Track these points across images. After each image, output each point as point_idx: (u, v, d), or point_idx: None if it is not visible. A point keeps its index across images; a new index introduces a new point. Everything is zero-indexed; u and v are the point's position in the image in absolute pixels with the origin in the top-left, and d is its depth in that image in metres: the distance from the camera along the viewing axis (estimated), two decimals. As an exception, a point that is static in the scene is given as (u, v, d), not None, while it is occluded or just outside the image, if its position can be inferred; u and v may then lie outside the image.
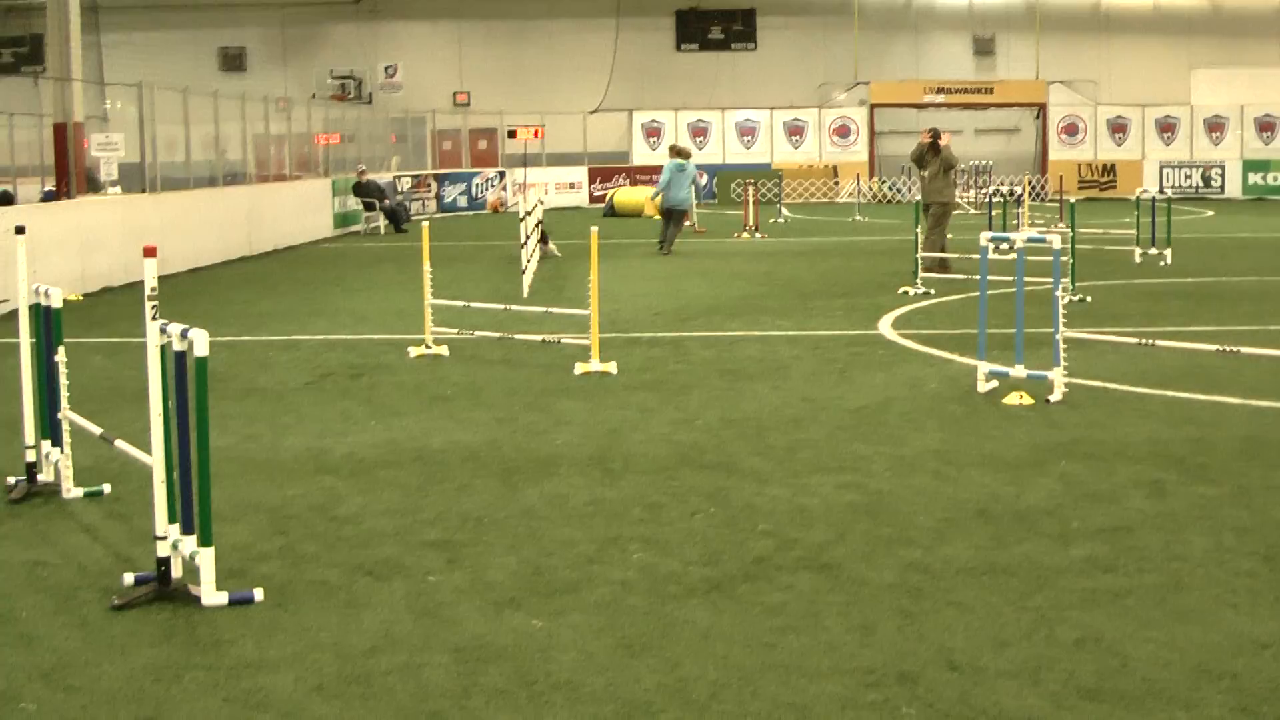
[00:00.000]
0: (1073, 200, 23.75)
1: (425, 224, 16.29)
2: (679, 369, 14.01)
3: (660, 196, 28.29)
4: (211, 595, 6.87)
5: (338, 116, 41.40)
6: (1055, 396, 11.77)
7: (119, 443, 8.33)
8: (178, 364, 6.95)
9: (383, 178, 39.82)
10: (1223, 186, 49.33)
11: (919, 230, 20.96)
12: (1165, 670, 5.95)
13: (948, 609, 6.75)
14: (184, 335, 6.84)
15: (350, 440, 10.75)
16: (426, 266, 15.23)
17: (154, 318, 6.96)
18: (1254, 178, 49.46)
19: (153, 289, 6.95)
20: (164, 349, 7.03)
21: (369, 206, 36.47)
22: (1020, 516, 8.36)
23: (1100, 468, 9.54)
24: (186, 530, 7.01)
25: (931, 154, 22.89)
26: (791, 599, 6.93)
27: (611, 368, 13.67)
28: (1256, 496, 8.77)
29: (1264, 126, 50.12)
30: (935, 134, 23.02)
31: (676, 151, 28.87)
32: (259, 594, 6.96)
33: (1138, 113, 50.66)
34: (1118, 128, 50.71)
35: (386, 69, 52.43)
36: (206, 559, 6.89)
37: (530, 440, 10.66)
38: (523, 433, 10.94)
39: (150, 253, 6.98)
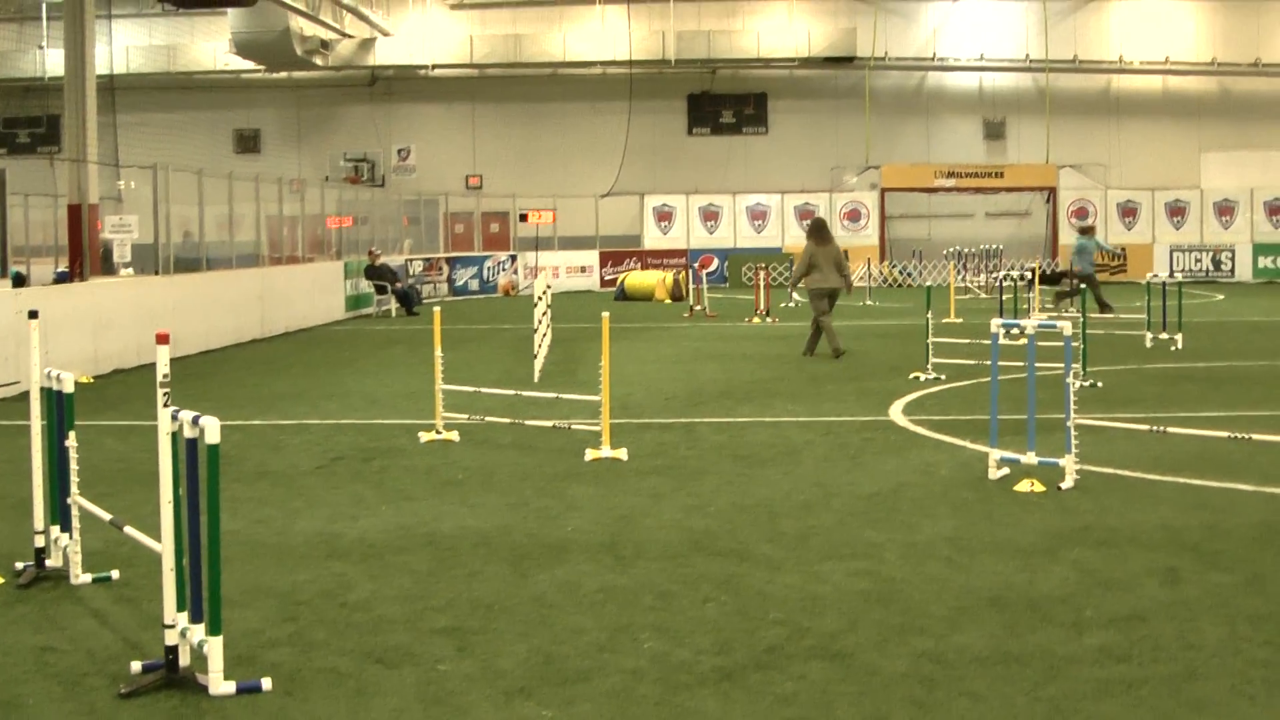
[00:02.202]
0: (1082, 285, 23.79)
1: (436, 308, 16.32)
2: (690, 454, 13.99)
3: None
4: (219, 684, 6.83)
5: (351, 198, 41.64)
6: (1067, 483, 11.73)
7: (128, 529, 8.32)
8: (189, 450, 6.95)
9: (395, 260, 39.96)
10: (1233, 270, 49.40)
11: (930, 315, 20.96)
12: (1181, 763, 5.90)
13: (960, 699, 6.70)
14: (195, 422, 6.84)
15: (361, 525, 10.73)
16: (438, 351, 15.25)
17: (165, 404, 6.97)
18: (1264, 261, 49.54)
19: (165, 376, 6.96)
20: (175, 436, 7.03)
21: (381, 289, 36.58)
22: (1033, 605, 8.31)
23: (1113, 555, 9.50)
24: (195, 618, 6.99)
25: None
26: (803, 689, 6.89)
27: (622, 454, 13.65)
28: (1271, 584, 8.73)
29: (1274, 210, 50.25)
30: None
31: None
32: (267, 683, 6.92)
33: (1148, 196, 50.81)
34: (1128, 211, 50.84)
35: (400, 151, 52.78)
36: (215, 648, 6.85)
37: (541, 526, 10.63)
38: (534, 518, 10.91)
39: (163, 339, 7.00)
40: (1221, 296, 39.45)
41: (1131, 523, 10.46)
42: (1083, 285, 27.62)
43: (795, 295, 29.72)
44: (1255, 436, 12.22)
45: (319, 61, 49.35)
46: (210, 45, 50.26)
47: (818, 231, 23.91)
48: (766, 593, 8.66)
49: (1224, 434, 12.53)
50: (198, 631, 6.96)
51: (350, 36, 49.58)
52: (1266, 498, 11.39)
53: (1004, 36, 51.89)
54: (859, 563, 9.38)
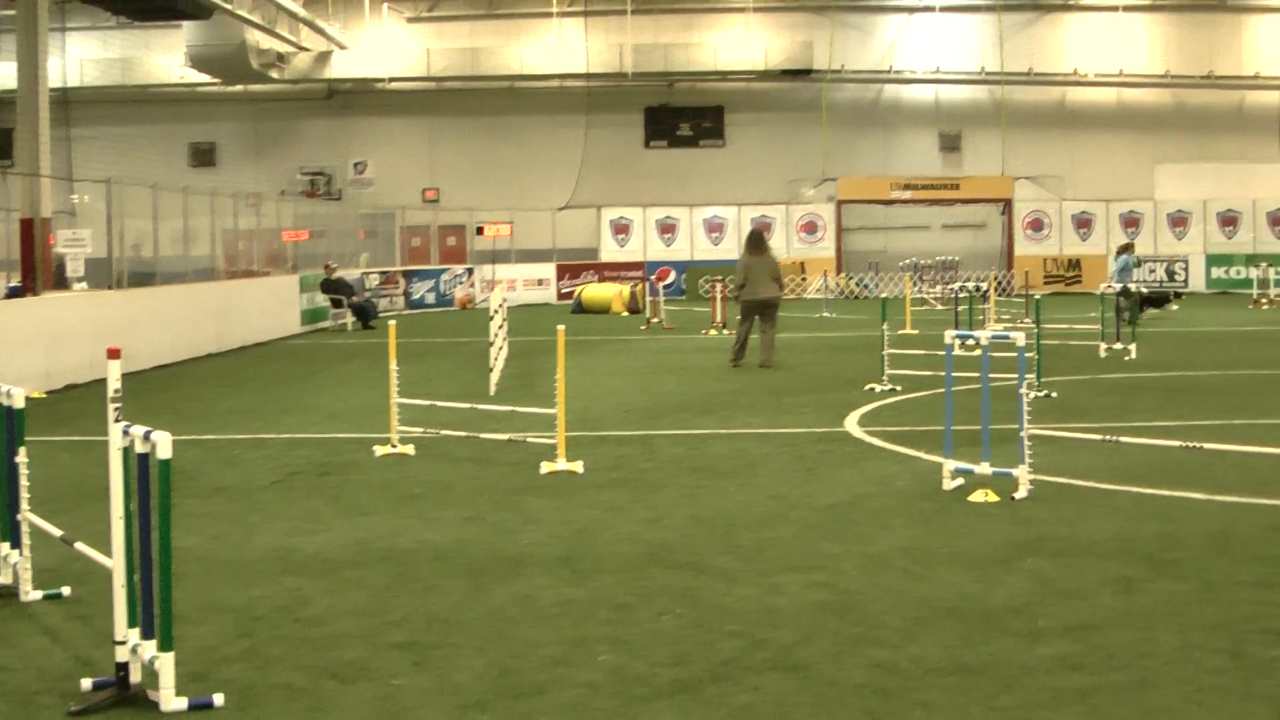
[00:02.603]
0: (1038, 295, 23.92)
1: (392, 322, 16.29)
2: (648, 467, 13.99)
3: None
4: (171, 701, 6.79)
5: (307, 212, 41.53)
6: (1021, 493, 11.78)
7: (79, 545, 8.27)
8: (141, 465, 6.91)
9: (351, 274, 39.87)
10: (1187, 280, 49.69)
11: (885, 327, 21.02)
12: (1135, 772, 5.93)
13: (916, 710, 6.72)
14: (147, 437, 6.81)
15: (317, 540, 10.69)
16: (393, 365, 15.21)
17: (117, 419, 6.93)
18: (1217, 271, 49.90)
19: (116, 390, 6.92)
20: (127, 451, 6.99)
21: (337, 303, 36.48)
22: (988, 615, 8.34)
23: (1068, 565, 9.54)
24: (147, 634, 6.94)
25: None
26: (759, 700, 6.89)
27: (578, 466, 13.63)
28: (1224, 592, 8.78)
29: (1226, 221, 50.61)
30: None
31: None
32: (219, 699, 6.88)
33: (1103, 208, 51.11)
34: (1083, 223, 51.11)
35: (356, 165, 52.66)
36: (167, 664, 6.81)
37: (498, 539, 10.61)
38: (490, 532, 10.90)
39: (114, 354, 6.96)
40: (1175, 307, 39.65)
41: (1086, 532, 10.51)
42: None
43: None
44: (1208, 446, 12.29)
45: (275, 75, 49.21)
46: (166, 58, 50.04)
47: (753, 243, 24.13)
48: (723, 605, 8.67)
49: (1177, 443, 12.60)
50: (149, 648, 6.92)
51: (307, 50, 49.46)
52: (1220, 506, 11.45)
53: (960, 49, 52.12)
54: (816, 574, 9.39)
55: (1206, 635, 7.86)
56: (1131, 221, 50.76)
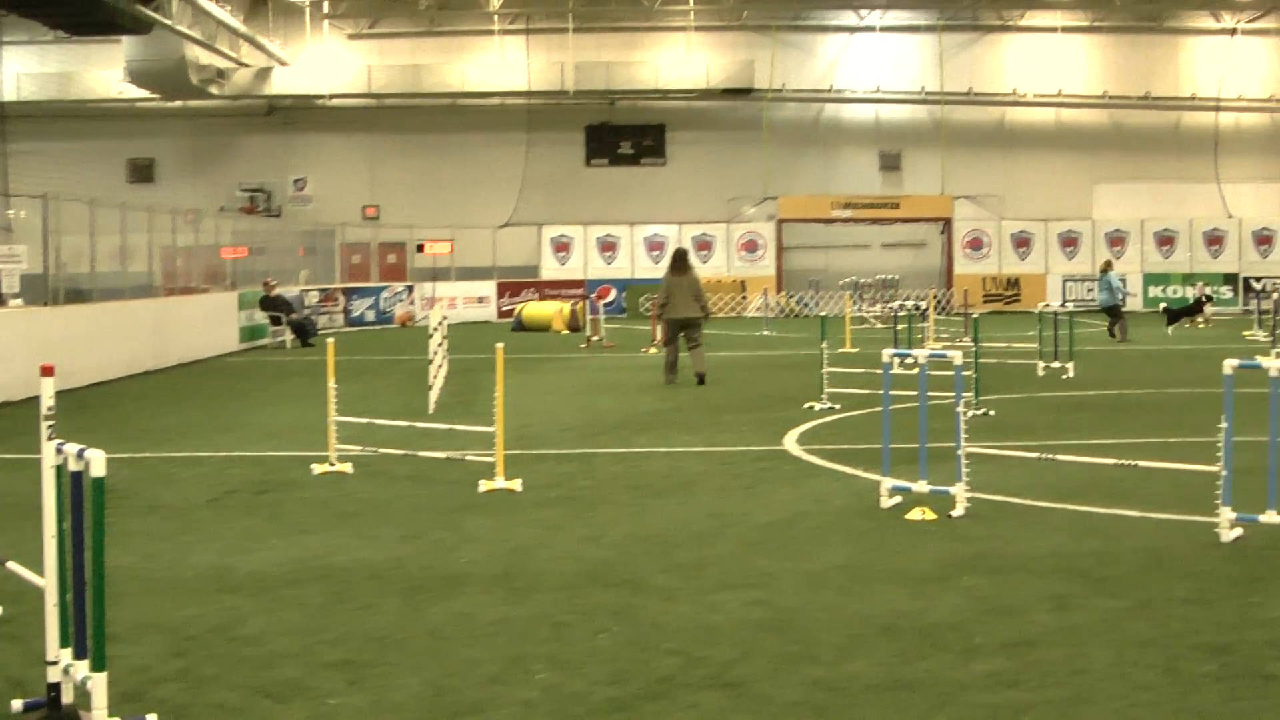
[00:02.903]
0: (976, 314, 24.07)
1: (330, 339, 16.23)
2: (587, 485, 13.98)
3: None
4: (104, 721, 6.73)
5: (246, 228, 41.34)
6: (958, 511, 11.84)
7: (11, 564, 8.19)
8: (75, 484, 6.85)
9: (290, 291, 39.69)
10: (1124, 299, 50.02)
11: (825, 345, 21.09)
12: (1068, 788, 5.95)
13: (852, 727, 6.74)
14: (80, 455, 6.75)
15: (254, 558, 10.63)
16: (331, 383, 15.15)
17: (50, 437, 6.88)
18: (1154, 290, 50.30)
19: (50, 408, 6.87)
20: (60, 469, 6.93)
21: (276, 320, 36.31)
22: (925, 632, 8.37)
23: (1004, 582, 9.59)
24: (79, 654, 6.88)
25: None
26: (696, 718, 6.90)
27: (516, 485, 13.61)
28: (1158, 609, 8.84)
29: (1163, 240, 51.09)
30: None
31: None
32: (151, 719, 6.83)
33: (1041, 227, 51.49)
34: (1022, 242, 51.46)
35: (296, 181, 52.48)
36: (99, 684, 6.74)
37: (436, 558, 10.58)
38: (428, 550, 10.86)
39: (47, 371, 6.90)
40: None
41: (1022, 550, 10.57)
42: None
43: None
44: (1143, 463, 12.38)
45: (215, 90, 48.97)
46: (104, 73, 49.72)
47: (675, 263, 24.25)
48: (661, 623, 8.67)
49: (1113, 461, 12.68)
50: (82, 668, 6.85)
51: (247, 66, 49.27)
52: (1154, 523, 11.54)
53: (900, 69, 52.45)
54: (754, 592, 9.40)
55: (1140, 651, 7.92)
56: (1070, 241, 51.17)
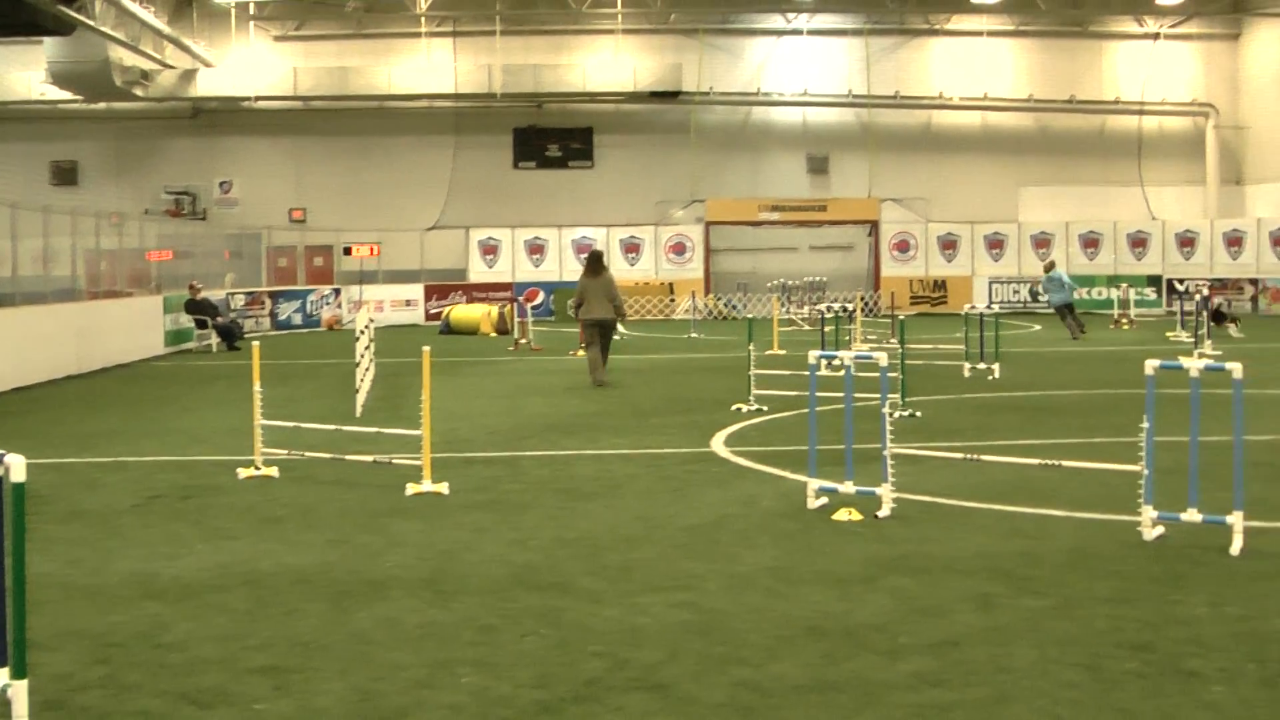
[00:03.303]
0: (903, 316, 24.21)
1: (256, 343, 16.14)
2: (514, 488, 13.96)
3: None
4: (26, 728, 6.67)
5: (172, 232, 41.04)
6: (884, 512, 11.90)
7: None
8: (-6, 489, 6.79)
9: (216, 295, 39.41)
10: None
11: (752, 347, 21.14)
12: (991, 787, 6.00)
13: (778, 728, 6.77)
14: (0, 460, 6.68)
15: (178, 564, 10.55)
16: (257, 386, 15.07)
17: (-30, 442, 6.80)
18: (1079, 292, 50.65)
19: (-31, 413, 6.80)
20: (-20, 474, 6.85)
21: (202, 324, 36.05)
22: (850, 633, 8.42)
23: (929, 582, 9.65)
24: (0, 662, 6.81)
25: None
26: (622, 721, 6.91)
27: (443, 488, 13.58)
28: (1081, 608, 8.92)
29: (1088, 243, 51.48)
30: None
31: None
32: (76, 726, 6.78)
33: (968, 229, 51.80)
34: (948, 244, 51.74)
35: (222, 184, 52.13)
36: (20, 692, 6.68)
37: (362, 562, 10.54)
38: (355, 555, 10.82)
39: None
40: (1039, 327, 40.29)
41: (947, 550, 10.64)
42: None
43: (620, 328, 29.95)
44: (1066, 463, 12.49)
45: (139, 92, 48.57)
46: (26, 75, 49.14)
47: (590, 264, 24.52)
48: (588, 625, 8.67)
49: (1036, 461, 12.79)
50: (2, 676, 6.78)
51: (172, 67, 48.88)
52: (1078, 523, 11.65)
53: (827, 73, 52.66)
54: (680, 594, 9.42)
55: (1063, 650, 8.00)
56: (996, 243, 51.50)
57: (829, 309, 27.96)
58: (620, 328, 29.78)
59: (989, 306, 36.50)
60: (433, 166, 52.11)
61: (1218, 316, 38.21)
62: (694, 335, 39.08)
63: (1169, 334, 36.68)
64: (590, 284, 24.13)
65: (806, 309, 44.53)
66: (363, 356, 20.92)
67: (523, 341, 35.34)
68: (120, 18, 41.61)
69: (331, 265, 49.42)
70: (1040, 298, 48.91)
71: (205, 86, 49.72)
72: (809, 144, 53.26)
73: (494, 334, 40.94)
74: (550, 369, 28.76)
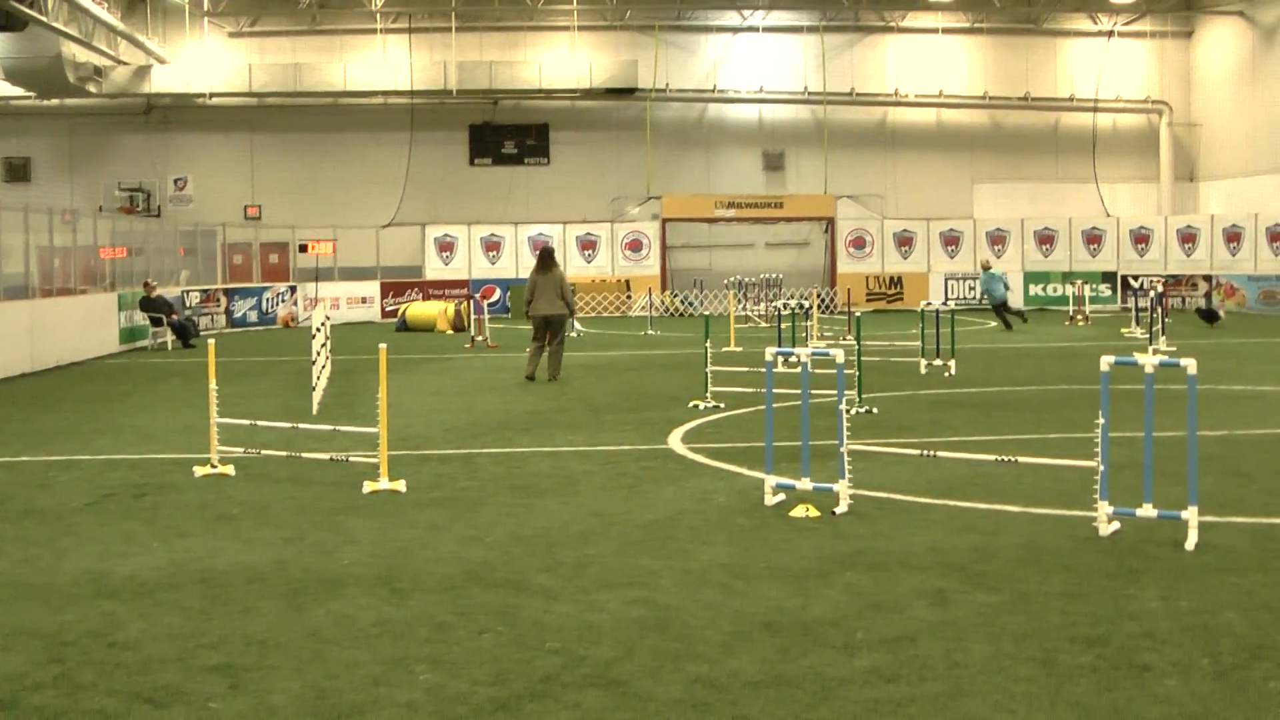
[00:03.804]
0: (859, 313, 24.26)
1: (211, 340, 16.07)
2: (469, 485, 13.94)
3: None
4: (-22, 728, 6.64)
5: (125, 229, 40.75)
6: (841, 508, 11.93)
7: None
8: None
9: (171, 292, 39.24)
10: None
11: (709, 344, 21.15)
12: (945, 781, 6.02)
13: (734, 724, 6.78)
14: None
15: (132, 562, 10.50)
16: (212, 384, 15.01)
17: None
18: (1034, 289, 50.95)
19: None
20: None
21: (156, 321, 35.85)
22: (806, 628, 8.43)
23: (884, 578, 9.68)
24: (-48, 661, 6.78)
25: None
26: (578, 717, 6.91)
27: (400, 485, 13.56)
28: (1035, 603, 8.96)
29: (1043, 239, 51.71)
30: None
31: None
32: (29, 725, 6.75)
33: (923, 226, 51.96)
34: (904, 240, 51.88)
35: (176, 181, 51.87)
36: (-27, 690, 6.66)
37: (317, 560, 10.51)
38: (310, 552, 10.78)
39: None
40: (994, 324, 40.44)
41: (902, 546, 10.67)
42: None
43: (577, 325, 30.01)
44: (1021, 459, 12.54)
45: (92, 89, 48.29)
46: (-23, 72, 48.89)
47: (540, 260, 24.70)
48: (543, 622, 8.67)
49: (992, 457, 12.85)
50: (-45, 675, 6.76)
51: (125, 64, 48.63)
52: (1031, 518, 11.70)
53: (783, 69, 52.76)
54: (635, 591, 9.42)
55: (1018, 644, 8.03)
56: (952, 240, 51.67)
57: (785, 306, 28.00)
58: (577, 325, 29.82)
59: (945, 303, 36.63)
60: (388, 163, 51.99)
61: (1210, 315, 38.71)
62: (651, 332, 39.07)
63: (1124, 330, 36.87)
64: (540, 280, 24.27)
65: (763, 306, 44.59)
66: (319, 354, 20.86)
67: (479, 339, 35.28)
68: (73, 13, 41.36)
69: (287, 262, 49.22)
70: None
71: (159, 83, 49.47)
72: (765, 141, 53.36)
73: (450, 331, 40.86)
74: (506, 366, 28.73)
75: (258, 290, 46.53)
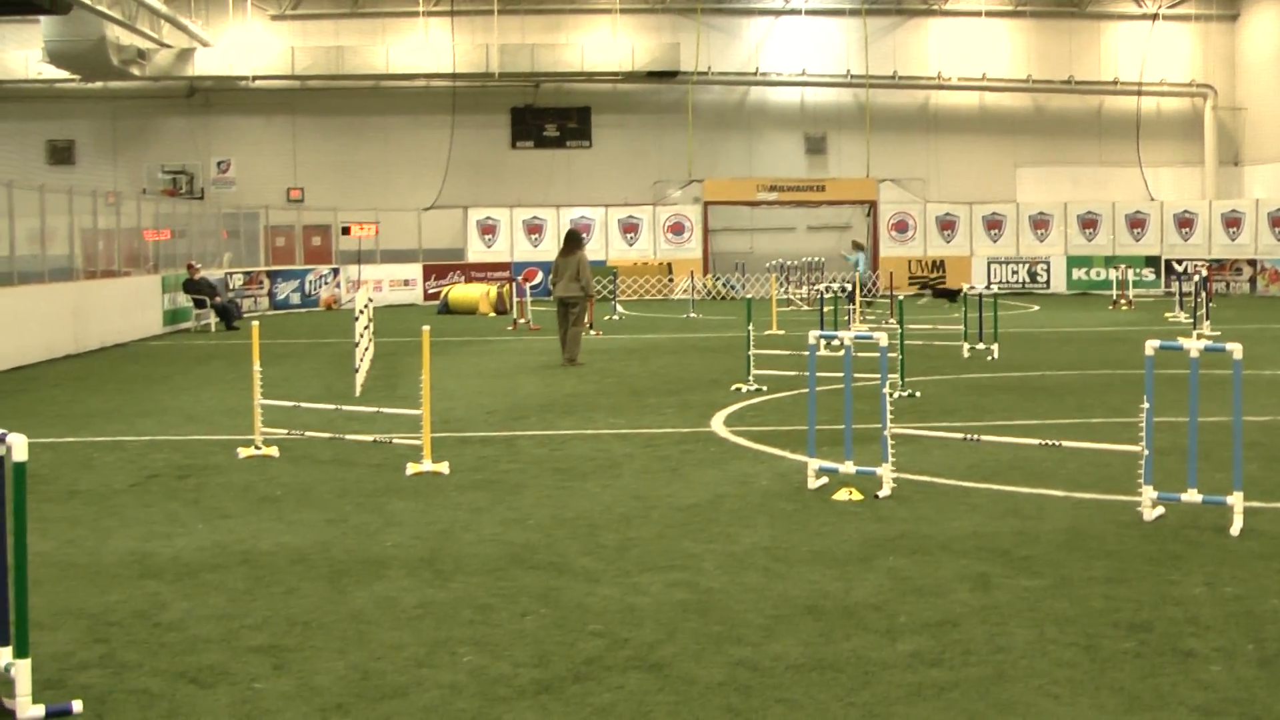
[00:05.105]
0: (902, 296, 24.19)
1: (255, 322, 16.14)
2: (511, 468, 13.97)
3: None
4: (27, 708, 6.68)
5: (168, 211, 40.94)
6: (884, 492, 11.91)
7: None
8: (-6, 468, 6.79)
9: (214, 274, 39.40)
10: (1048, 282, 50.46)
11: (751, 327, 21.13)
12: (988, 765, 6.01)
13: (776, 706, 6.78)
14: (1, 440, 6.69)
15: (176, 543, 10.56)
16: (256, 366, 15.07)
17: (-32, 421, 6.81)
18: (1078, 273, 50.70)
19: (-33, 392, 6.80)
20: (-21, 454, 6.86)
21: (199, 303, 36.02)
22: (848, 612, 8.43)
23: (927, 562, 9.66)
24: (1, 641, 6.82)
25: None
26: (621, 699, 6.92)
27: (443, 468, 13.59)
28: (1077, 587, 8.93)
29: (1086, 224, 51.43)
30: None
31: None
32: (78, 705, 6.78)
33: (965, 210, 51.75)
34: (946, 224, 51.69)
35: (219, 164, 52.04)
36: (23, 671, 6.70)
37: (360, 542, 10.55)
38: (352, 534, 10.82)
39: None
40: (1037, 307, 40.32)
41: (945, 530, 10.65)
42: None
43: (619, 309, 30.01)
44: (1065, 443, 12.50)
45: (136, 71, 48.45)
46: (22, 54, 49.00)
47: (565, 242, 24.72)
48: (585, 605, 8.68)
49: (1035, 441, 12.81)
50: (4, 655, 6.80)
51: (168, 46, 48.76)
52: (1074, 503, 11.66)
53: (825, 52, 52.59)
54: (677, 574, 9.43)
55: (1060, 629, 8.01)
56: (994, 224, 51.46)
57: (828, 289, 27.96)
58: (619, 309, 29.79)
59: (988, 287, 36.49)
60: (430, 146, 52.03)
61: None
62: (692, 315, 39.02)
63: (1167, 315, 36.67)
64: (561, 262, 24.35)
65: (804, 289, 44.51)
66: (362, 336, 20.92)
67: (521, 321, 35.31)
68: (117, -4, 41.51)
69: (329, 245, 49.35)
70: (1037, 278, 49.28)
71: (202, 66, 49.60)
72: (806, 124, 53.23)
73: (492, 314, 40.91)
74: (548, 349, 28.71)
75: (300, 273, 46.69)
